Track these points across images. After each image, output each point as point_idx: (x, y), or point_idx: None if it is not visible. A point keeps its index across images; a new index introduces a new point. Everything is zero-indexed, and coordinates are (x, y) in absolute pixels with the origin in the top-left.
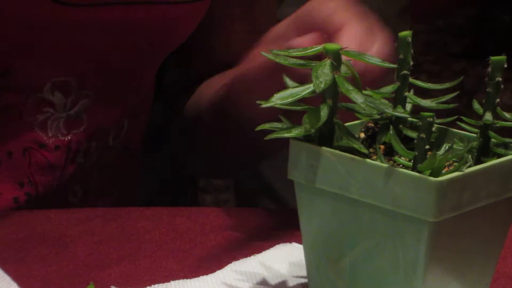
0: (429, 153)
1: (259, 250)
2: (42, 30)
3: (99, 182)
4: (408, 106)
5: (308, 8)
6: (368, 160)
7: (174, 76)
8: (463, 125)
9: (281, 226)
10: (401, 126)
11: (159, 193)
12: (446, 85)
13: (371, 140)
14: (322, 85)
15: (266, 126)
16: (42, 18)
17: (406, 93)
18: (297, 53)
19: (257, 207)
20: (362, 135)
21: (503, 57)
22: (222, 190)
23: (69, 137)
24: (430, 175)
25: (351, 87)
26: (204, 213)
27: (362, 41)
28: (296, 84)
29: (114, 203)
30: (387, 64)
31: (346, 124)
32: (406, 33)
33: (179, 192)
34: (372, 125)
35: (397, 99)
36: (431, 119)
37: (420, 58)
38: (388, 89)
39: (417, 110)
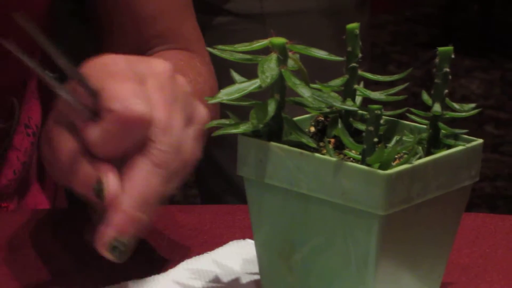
0: (378, 145)
1: (213, 248)
2: None
3: None
4: (358, 99)
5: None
6: (316, 154)
7: None
8: (412, 116)
9: (237, 222)
10: (351, 119)
11: None
12: (395, 77)
13: (321, 134)
14: (268, 80)
15: (214, 123)
16: None
17: (356, 86)
18: (243, 47)
19: (220, 204)
20: (312, 129)
21: (450, 48)
22: (191, 185)
23: None
24: (379, 168)
25: (298, 81)
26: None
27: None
28: (243, 79)
29: None
30: (334, 57)
31: (295, 118)
32: (353, 25)
33: None
34: (322, 118)
35: (347, 92)
36: (379, 112)
37: (388, 48)
38: (337, 82)
39: (371, 102)
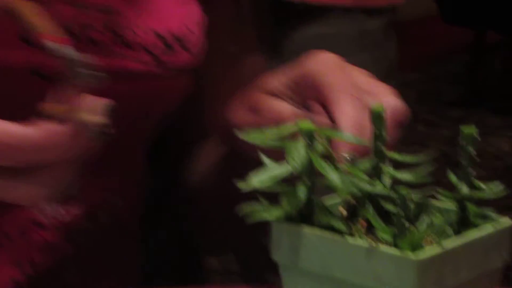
0: (409, 228)
1: None
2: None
3: (97, 265)
4: (387, 180)
5: (308, 71)
6: (348, 239)
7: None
8: (440, 197)
9: None
10: (381, 201)
11: (162, 273)
12: (422, 157)
13: (351, 216)
14: (299, 167)
15: (246, 209)
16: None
17: (383, 167)
18: (273, 133)
19: (264, 283)
20: (343, 211)
21: (472, 129)
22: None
23: (68, 218)
24: (411, 251)
25: (327, 166)
26: None
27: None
28: (272, 163)
29: (113, 286)
30: (364, 141)
31: (326, 200)
32: (378, 107)
33: (184, 270)
34: (352, 200)
35: (376, 174)
36: (406, 194)
37: (415, 107)
38: (366, 164)
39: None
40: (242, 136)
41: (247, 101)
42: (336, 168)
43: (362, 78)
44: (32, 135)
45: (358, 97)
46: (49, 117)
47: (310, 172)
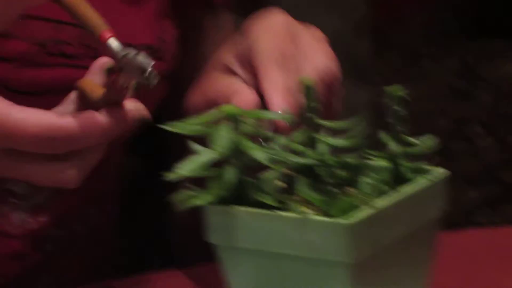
0: (344, 192)
1: None
2: None
3: (70, 271)
4: (322, 147)
5: (249, 39)
6: (279, 213)
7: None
8: (372, 157)
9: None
10: (316, 168)
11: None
12: (353, 120)
13: (289, 187)
14: (223, 150)
15: (180, 196)
16: None
17: (315, 135)
18: (197, 121)
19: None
20: (280, 184)
21: (396, 87)
22: None
23: (35, 226)
24: (343, 217)
25: (252, 145)
26: (152, 280)
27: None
28: (200, 149)
29: None
30: (288, 116)
31: (262, 176)
32: (307, 78)
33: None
34: (289, 172)
35: (309, 143)
36: (333, 162)
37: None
38: (298, 135)
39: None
40: (167, 128)
41: (201, 84)
42: (264, 145)
43: (304, 40)
44: (69, 127)
45: (286, 62)
46: (84, 96)
47: (238, 154)
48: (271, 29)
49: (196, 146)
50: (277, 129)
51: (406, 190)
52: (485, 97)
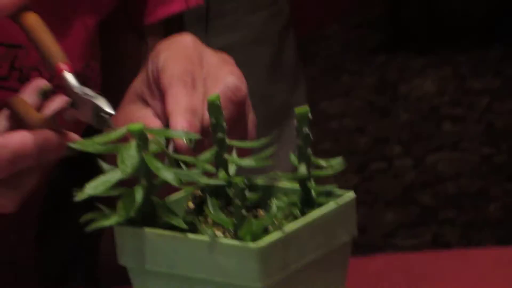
0: (254, 214)
1: None
2: None
3: None
4: (232, 168)
5: (156, 64)
6: (189, 235)
7: None
8: (282, 180)
9: None
10: (227, 189)
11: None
12: (263, 141)
13: (200, 208)
14: (129, 169)
15: (86, 216)
16: None
17: (226, 156)
18: (101, 139)
19: None
20: (191, 204)
21: (305, 109)
22: None
23: None
24: (252, 240)
25: (160, 165)
26: None
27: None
28: (110, 168)
29: None
30: (193, 135)
31: (171, 197)
32: (213, 97)
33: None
34: (200, 192)
35: (218, 163)
36: (242, 184)
37: (338, 58)
38: (207, 155)
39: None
40: (73, 146)
41: (116, 117)
42: (173, 165)
43: (212, 62)
44: (9, 144)
45: (193, 83)
46: (16, 116)
47: (146, 173)
48: (179, 52)
49: (105, 165)
50: (177, 149)
51: (315, 213)
52: (403, 115)
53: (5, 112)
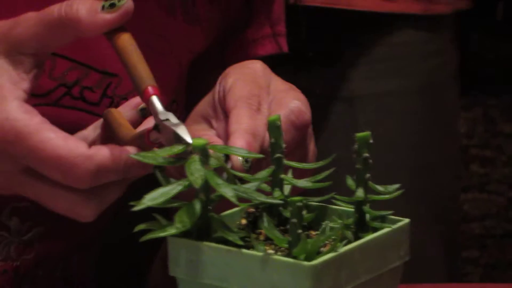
0: (307, 233)
1: None
2: None
3: None
4: (287, 188)
5: (223, 86)
6: (243, 250)
7: None
8: (338, 202)
9: None
10: (281, 208)
11: None
12: (320, 163)
13: (253, 225)
14: (199, 181)
15: (142, 226)
16: None
17: (282, 176)
18: (164, 153)
19: None
20: (244, 221)
21: (367, 133)
22: None
23: (17, 262)
24: (305, 259)
25: (220, 181)
26: None
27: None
28: (168, 181)
29: None
30: (253, 155)
31: (225, 213)
32: (274, 117)
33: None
34: (253, 210)
35: (274, 183)
36: (300, 204)
37: None
38: (264, 173)
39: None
40: (135, 157)
41: None
42: (231, 181)
43: (278, 88)
44: (95, 157)
45: (258, 106)
46: (110, 127)
47: (205, 187)
48: (247, 76)
49: (163, 177)
50: (233, 168)
51: (369, 236)
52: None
53: (99, 123)
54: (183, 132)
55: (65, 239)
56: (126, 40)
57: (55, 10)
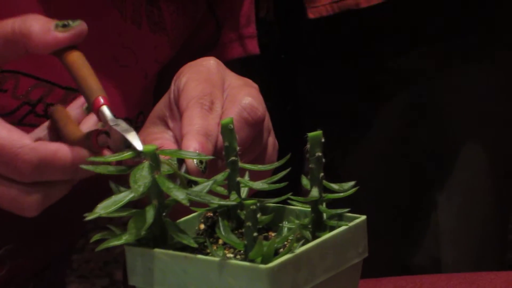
0: (264, 236)
1: None
2: None
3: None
4: (244, 190)
5: (178, 88)
6: (200, 256)
7: None
8: (294, 203)
9: None
10: (238, 211)
11: None
12: (275, 164)
13: (211, 230)
14: (141, 189)
15: (98, 236)
16: None
17: (238, 179)
18: (113, 158)
19: None
20: (202, 226)
21: (319, 133)
22: None
23: None
24: (262, 261)
25: (172, 185)
26: None
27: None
28: (122, 189)
29: None
30: (205, 157)
31: (184, 218)
32: (227, 120)
33: None
34: (211, 214)
35: (230, 186)
36: (254, 207)
37: None
38: (219, 177)
39: None
40: (86, 167)
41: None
42: (184, 185)
43: (233, 85)
44: (40, 150)
45: (211, 105)
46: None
47: (158, 193)
48: (201, 75)
49: (115, 186)
50: (188, 171)
51: (326, 235)
52: None
53: (47, 123)
54: (133, 138)
55: (36, 256)
56: (75, 56)
57: (9, 23)
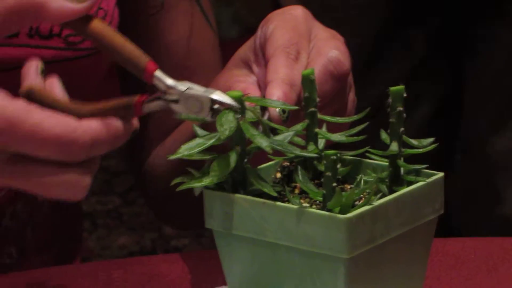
0: (341, 187)
1: None
2: None
3: (34, 240)
4: (321, 142)
5: (264, 32)
6: (278, 203)
7: None
8: (372, 156)
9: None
10: (315, 162)
11: None
12: (354, 117)
13: (287, 179)
14: (227, 132)
15: (178, 179)
16: None
17: (316, 130)
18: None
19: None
20: (279, 175)
21: (401, 87)
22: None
23: None
24: (340, 211)
25: (256, 132)
26: (140, 263)
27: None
28: (205, 133)
29: (54, 258)
30: (289, 106)
31: (261, 166)
32: (308, 71)
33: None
34: (288, 164)
35: (308, 137)
36: (335, 157)
37: None
38: (298, 127)
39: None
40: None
41: (216, 80)
42: (267, 133)
43: (319, 36)
44: (92, 131)
45: (297, 55)
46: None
47: (240, 139)
48: (288, 23)
49: (199, 130)
50: (271, 120)
51: (403, 189)
52: None
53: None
54: (223, 97)
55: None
56: (101, 25)
57: None
